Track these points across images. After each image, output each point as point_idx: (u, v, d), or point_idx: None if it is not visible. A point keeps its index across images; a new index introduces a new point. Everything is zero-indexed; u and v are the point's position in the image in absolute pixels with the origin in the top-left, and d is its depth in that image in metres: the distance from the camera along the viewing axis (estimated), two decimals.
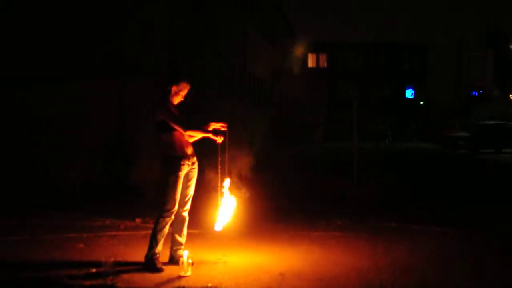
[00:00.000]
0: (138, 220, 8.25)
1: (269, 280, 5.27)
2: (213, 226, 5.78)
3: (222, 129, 5.62)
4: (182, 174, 5.62)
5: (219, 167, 5.72)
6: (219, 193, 5.73)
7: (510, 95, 57.19)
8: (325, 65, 56.96)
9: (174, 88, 5.72)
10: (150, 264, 5.56)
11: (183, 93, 5.78)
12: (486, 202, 10.36)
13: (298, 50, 39.45)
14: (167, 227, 5.66)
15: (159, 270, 5.52)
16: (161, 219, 5.61)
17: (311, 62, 56.08)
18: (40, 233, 7.33)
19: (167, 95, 5.71)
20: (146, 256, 5.62)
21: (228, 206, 5.74)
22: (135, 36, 12.57)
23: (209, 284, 5.12)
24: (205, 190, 6.60)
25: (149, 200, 9.30)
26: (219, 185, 5.73)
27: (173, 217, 5.65)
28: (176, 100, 5.77)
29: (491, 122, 31.35)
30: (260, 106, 26.30)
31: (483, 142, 27.61)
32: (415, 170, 17.53)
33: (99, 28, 12.65)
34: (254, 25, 25.49)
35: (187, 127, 5.62)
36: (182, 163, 5.60)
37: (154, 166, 9.26)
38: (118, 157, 11.85)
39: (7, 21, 12.93)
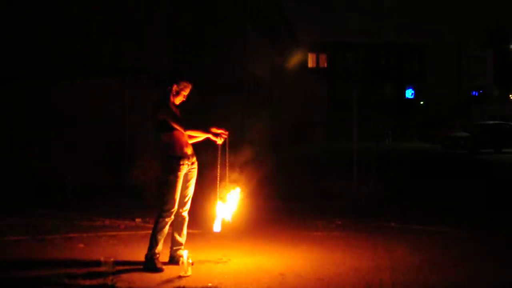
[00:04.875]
0: (138, 220, 8.25)
1: (269, 280, 5.27)
2: (213, 226, 5.79)
3: (223, 136, 5.62)
4: (181, 174, 5.62)
5: (218, 168, 5.72)
6: (217, 195, 5.74)
7: (510, 95, 57.24)
8: (325, 65, 56.95)
9: (174, 88, 5.69)
10: (150, 264, 5.56)
11: (185, 92, 5.74)
12: (486, 202, 10.36)
13: (298, 49, 39.44)
14: (167, 227, 5.65)
15: (159, 270, 5.53)
16: (161, 219, 5.61)
17: (311, 62, 56.10)
18: (40, 233, 7.33)
19: (167, 94, 5.70)
20: (146, 256, 5.61)
21: (226, 207, 5.74)
22: (135, 36, 12.57)
23: (209, 284, 5.12)
24: (204, 190, 6.61)
25: (149, 200, 9.30)
26: (218, 186, 5.74)
27: (173, 217, 5.65)
28: (178, 100, 5.75)
29: (491, 122, 31.37)
30: (260, 106, 26.30)
31: (483, 142, 27.63)
32: (415, 170, 17.52)
33: (99, 28, 12.65)
34: (254, 25, 25.50)
35: (187, 127, 5.61)
36: (181, 163, 5.60)
37: (154, 166, 9.27)
38: (118, 157, 11.86)
39: (7, 20, 12.94)
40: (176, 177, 5.58)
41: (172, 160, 5.58)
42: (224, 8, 20.18)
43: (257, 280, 5.27)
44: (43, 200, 9.89)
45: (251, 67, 24.67)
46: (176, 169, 5.58)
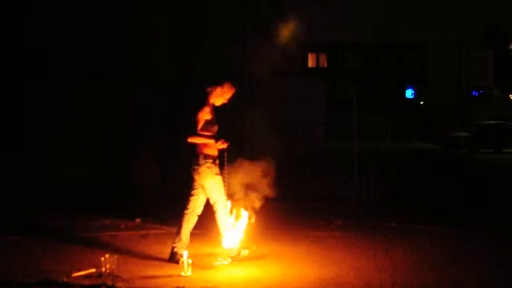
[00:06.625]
0: (138, 220, 8.25)
1: (269, 281, 5.27)
2: (214, 227, 5.87)
3: (224, 145, 5.75)
4: (210, 170, 5.75)
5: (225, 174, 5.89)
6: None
7: (510, 95, 57.28)
8: (325, 65, 56.99)
9: (218, 89, 5.83)
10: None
11: (227, 95, 5.90)
12: (486, 202, 10.36)
13: (293, 31, 38.96)
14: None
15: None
16: (224, 212, 5.83)
17: (311, 62, 56.17)
18: (40, 233, 7.33)
19: (208, 95, 5.83)
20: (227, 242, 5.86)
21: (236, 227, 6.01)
22: (135, 37, 12.57)
23: (209, 284, 5.11)
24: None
25: (149, 200, 9.31)
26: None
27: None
28: (219, 101, 5.90)
29: (491, 122, 31.37)
30: (260, 106, 26.31)
31: (483, 142, 27.62)
32: (415, 170, 17.50)
33: (99, 28, 12.64)
34: (254, 25, 25.50)
35: (189, 135, 5.72)
36: (207, 161, 5.74)
37: (154, 166, 9.28)
38: (118, 157, 11.85)
39: (6, 19, 12.93)
40: (209, 173, 5.74)
41: (206, 161, 5.73)
42: (224, 8, 20.18)
43: (257, 280, 5.27)
44: (43, 200, 9.89)
45: (251, 67, 24.67)
46: (209, 169, 5.73)
